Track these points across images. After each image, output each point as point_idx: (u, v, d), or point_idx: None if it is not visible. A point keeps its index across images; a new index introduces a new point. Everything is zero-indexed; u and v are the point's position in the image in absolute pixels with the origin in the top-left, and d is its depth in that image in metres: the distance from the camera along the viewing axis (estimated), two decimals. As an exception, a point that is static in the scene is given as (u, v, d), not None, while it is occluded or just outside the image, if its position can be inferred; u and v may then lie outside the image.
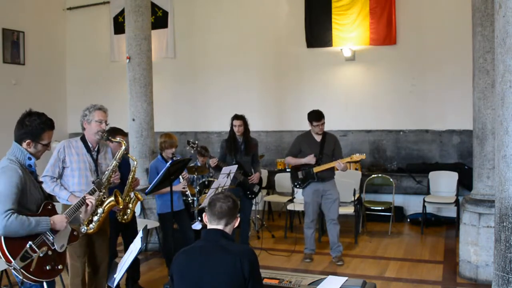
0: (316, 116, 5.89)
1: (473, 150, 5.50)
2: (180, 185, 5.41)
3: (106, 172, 4.02)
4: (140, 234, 3.26)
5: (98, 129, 4.05)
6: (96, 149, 4.15)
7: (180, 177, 5.39)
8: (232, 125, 6.13)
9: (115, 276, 3.25)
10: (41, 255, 3.00)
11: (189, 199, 6.03)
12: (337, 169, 5.88)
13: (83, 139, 4.12)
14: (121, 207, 4.30)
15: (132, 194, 4.81)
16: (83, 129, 4.14)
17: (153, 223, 6.21)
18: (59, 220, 3.15)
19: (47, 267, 3.04)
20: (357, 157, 6.28)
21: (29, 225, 2.94)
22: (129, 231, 4.91)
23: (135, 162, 4.78)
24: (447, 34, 8.10)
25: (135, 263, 4.98)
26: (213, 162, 6.02)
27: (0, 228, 2.85)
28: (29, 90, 10.11)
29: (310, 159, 5.87)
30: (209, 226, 2.79)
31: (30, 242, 2.96)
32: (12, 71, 9.99)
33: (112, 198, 4.02)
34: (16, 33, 10.06)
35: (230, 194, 2.85)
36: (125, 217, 4.80)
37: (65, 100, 11.23)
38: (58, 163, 3.99)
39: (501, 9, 3.25)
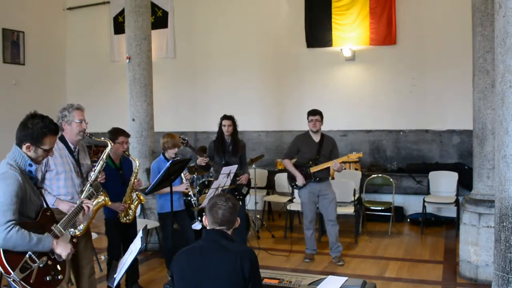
0: (311, 111, 6.00)
1: (473, 150, 5.50)
2: (182, 185, 5.40)
3: (92, 174, 3.91)
4: (140, 234, 3.25)
5: (80, 129, 3.92)
6: (76, 150, 4.02)
7: (183, 176, 5.37)
8: (221, 125, 6.09)
9: (115, 276, 3.25)
10: (41, 265, 2.85)
11: (192, 199, 6.00)
12: (334, 170, 5.90)
13: (63, 140, 3.95)
14: (109, 204, 4.18)
15: (134, 195, 4.81)
16: (62, 130, 3.94)
17: (153, 223, 6.21)
18: (64, 247, 2.97)
19: (47, 278, 2.88)
20: (354, 155, 6.25)
21: (29, 241, 2.77)
22: (129, 231, 4.89)
23: (137, 163, 4.78)
24: (447, 34, 8.10)
25: (134, 263, 4.96)
26: (203, 160, 5.90)
27: None
28: (29, 90, 10.12)
29: (300, 179, 5.90)
30: (210, 227, 2.79)
31: (29, 252, 2.81)
32: (12, 71, 9.99)
33: (102, 198, 4.00)
34: (16, 33, 10.06)
35: (229, 197, 2.81)
36: (128, 217, 4.80)
37: (65, 100, 11.17)
38: (41, 167, 3.79)
39: (501, 9, 3.26)
